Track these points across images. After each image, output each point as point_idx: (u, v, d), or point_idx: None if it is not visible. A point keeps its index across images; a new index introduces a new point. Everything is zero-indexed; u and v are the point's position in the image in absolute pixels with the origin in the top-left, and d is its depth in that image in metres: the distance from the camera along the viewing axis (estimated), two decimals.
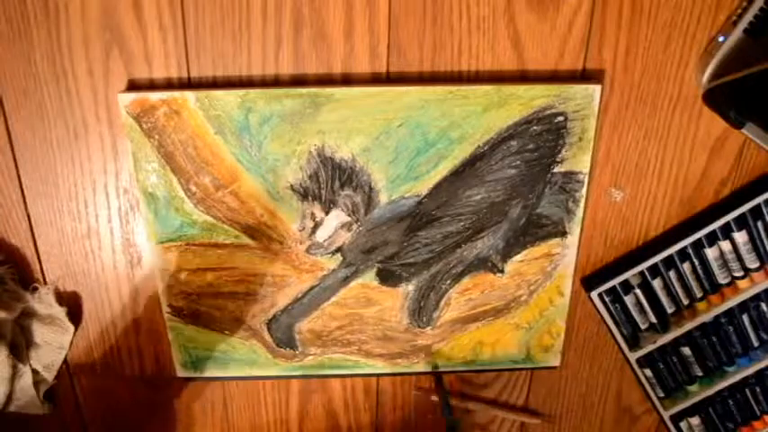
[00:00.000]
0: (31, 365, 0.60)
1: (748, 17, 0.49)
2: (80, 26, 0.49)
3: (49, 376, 0.61)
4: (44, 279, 0.59)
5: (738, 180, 0.58)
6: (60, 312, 0.59)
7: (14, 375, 0.58)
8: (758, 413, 0.65)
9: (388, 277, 0.59)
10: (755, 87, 0.49)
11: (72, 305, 0.60)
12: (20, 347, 0.58)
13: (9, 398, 0.59)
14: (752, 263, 0.58)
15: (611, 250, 0.60)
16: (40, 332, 0.59)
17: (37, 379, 0.61)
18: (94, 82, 0.52)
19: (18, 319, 0.58)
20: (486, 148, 0.53)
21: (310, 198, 0.54)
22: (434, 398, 0.66)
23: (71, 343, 0.61)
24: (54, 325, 0.59)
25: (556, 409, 0.69)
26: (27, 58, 0.51)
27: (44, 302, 0.59)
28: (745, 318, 0.61)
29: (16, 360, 0.58)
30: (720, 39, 0.51)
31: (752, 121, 0.51)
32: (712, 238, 0.58)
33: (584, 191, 0.56)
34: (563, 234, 0.58)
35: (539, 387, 0.67)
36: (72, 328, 0.60)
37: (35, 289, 0.59)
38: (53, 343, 0.60)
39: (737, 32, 0.50)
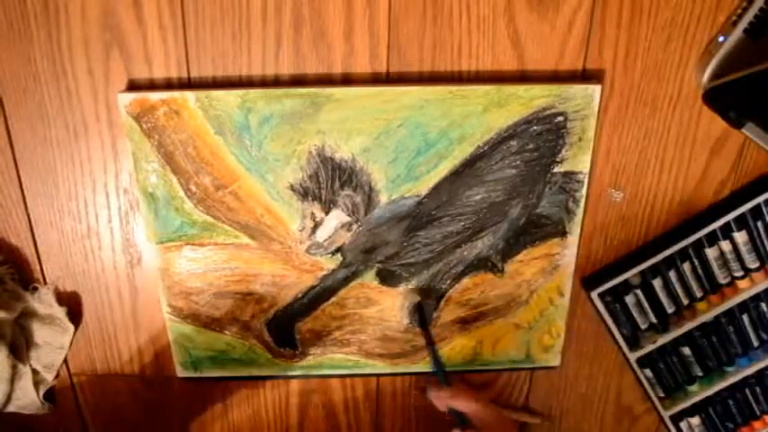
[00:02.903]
0: (31, 365, 0.60)
1: (748, 17, 0.49)
2: (80, 26, 0.49)
3: (49, 376, 0.61)
4: (44, 279, 0.59)
5: (738, 180, 0.57)
6: (60, 312, 0.59)
7: (14, 375, 0.58)
8: (758, 413, 0.65)
9: (388, 277, 0.59)
10: (755, 87, 0.49)
11: (72, 305, 0.60)
12: (20, 347, 0.59)
13: (9, 398, 0.59)
14: (752, 263, 0.58)
15: (611, 250, 0.60)
16: (40, 332, 0.59)
17: (37, 379, 0.61)
18: (94, 82, 0.52)
19: (18, 319, 0.58)
20: (486, 148, 0.53)
21: (310, 198, 0.54)
22: None
23: (71, 343, 0.61)
24: (54, 325, 0.59)
25: (556, 409, 0.69)
26: (27, 58, 0.51)
27: (44, 302, 0.59)
28: (745, 318, 0.61)
29: (16, 360, 0.58)
30: (720, 39, 0.51)
31: (752, 121, 0.50)
32: (712, 238, 0.58)
33: (584, 191, 0.56)
34: (563, 234, 0.58)
35: (539, 387, 0.67)
36: (72, 328, 0.60)
37: (35, 289, 0.59)
38: (53, 343, 0.60)
39: (737, 32, 0.50)
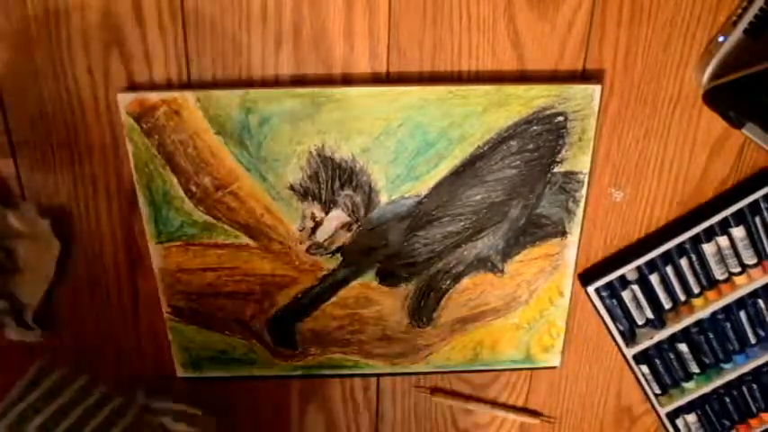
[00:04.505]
0: (14, 291, 0.56)
1: (748, 17, 0.49)
2: (80, 26, 0.49)
3: (33, 301, 0.58)
4: None
5: (738, 180, 0.58)
6: (44, 225, 0.55)
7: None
8: (755, 410, 0.66)
9: (388, 277, 0.59)
10: (755, 87, 0.49)
11: (72, 305, 0.60)
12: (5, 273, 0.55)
13: (2, 323, 0.56)
14: (749, 259, 0.58)
15: (611, 250, 0.61)
16: (25, 256, 0.56)
17: (20, 306, 0.57)
18: (94, 82, 0.51)
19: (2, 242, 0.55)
20: (486, 148, 0.53)
21: (310, 198, 0.54)
22: (436, 398, 0.66)
23: (56, 268, 0.57)
24: (39, 242, 0.56)
25: (556, 409, 0.69)
26: (27, 58, 0.50)
27: (26, 219, 0.55)
28: (742, 314, 0.61)
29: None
30: (720, 39, 0.51)
31: (752, 121, 0.51)
32: (710, 234, 0.58)
33: (584, 191, 0.56)
34: (563, 234, 0.58)
35: (539, 387, 0.68)
36: (57, 243, 0.56)
37: (15, 205, 0.55)
38: (38, 267, 0.57)
39: (737, 32, 0.50)
